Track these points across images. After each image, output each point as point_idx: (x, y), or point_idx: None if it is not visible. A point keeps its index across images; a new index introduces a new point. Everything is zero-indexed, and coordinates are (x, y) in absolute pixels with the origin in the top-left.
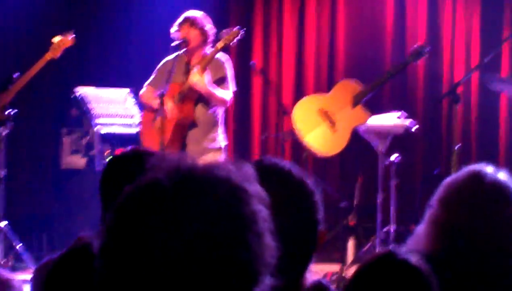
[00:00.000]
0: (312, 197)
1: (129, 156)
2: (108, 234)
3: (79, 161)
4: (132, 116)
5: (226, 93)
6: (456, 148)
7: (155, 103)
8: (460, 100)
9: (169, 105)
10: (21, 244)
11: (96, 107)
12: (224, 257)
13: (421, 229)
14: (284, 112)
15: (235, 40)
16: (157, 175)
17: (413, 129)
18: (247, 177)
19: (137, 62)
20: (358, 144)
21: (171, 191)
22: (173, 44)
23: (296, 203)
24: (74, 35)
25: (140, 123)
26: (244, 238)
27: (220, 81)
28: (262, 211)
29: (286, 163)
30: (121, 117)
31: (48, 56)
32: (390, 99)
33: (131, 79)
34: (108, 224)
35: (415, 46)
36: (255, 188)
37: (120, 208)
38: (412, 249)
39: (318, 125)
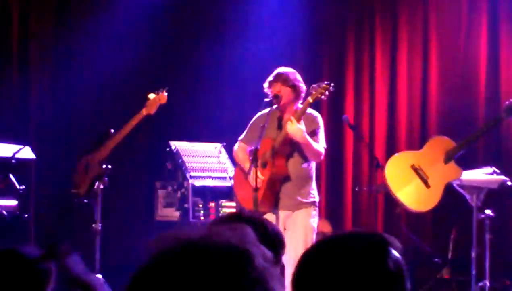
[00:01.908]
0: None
1: None
2: None
3: (173, 214)
4: (225, 170)
5: (320, 147)
6: None
7: (247, 166)
8: None
9: (254, 171)
10: None
11: (190, 161)
12: None
13: None
14: (378, 165)
15: (325, 94)
16: (160, 249)
17: (508, 183)
18: (247, 239)
19: (230, 116)
20: (452, 198)
21: (173, 264)
22: (265, 100)
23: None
24: (167, 92)
25: (233, 177)
26: None
27: (313, 135)
28: (268, 268)
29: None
30: (214, 171)
31: (144, 112)
32: (483, 154)
33: (223, 134)
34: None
35: (508, 102)
36: (257, 248)
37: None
38: None
39: (410, 182)
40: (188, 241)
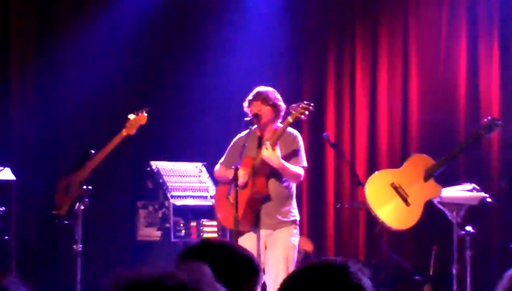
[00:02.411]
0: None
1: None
2: None
3: (154, 233)
4: (206, 189)
5: (299, 169)
6: None
7: (230, 173)
8: None
9: (241, 173)
10: None
11: (170, 181)
12: None
13: None
14: (359, 182)
15: (305, 114)
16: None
17: (488, 200)
18: (204, 280)
19: (211, 136)
20: (432, 214)
21: None
22: (245, 119)
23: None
24: (147, 113)
25: (214, 196)
26: None
27: (293, 155)
28: None
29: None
30: (195, 190)
31: (124, 133)
32: (463, 171)
33: (204, 153)
34: None
35: (487, 119)
36: (212, 289)
37: None
38: None
39: (390, 200)
40: (141, 282)
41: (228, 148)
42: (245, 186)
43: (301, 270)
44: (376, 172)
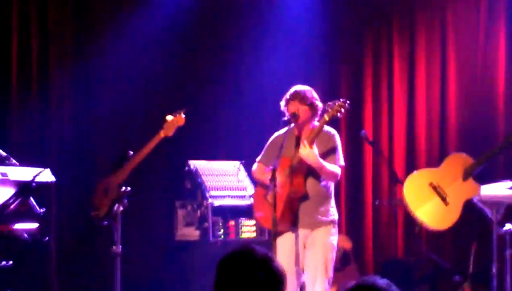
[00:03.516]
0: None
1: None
2: None
3: (193, 233)
4: (244, 188)
5: (336, 167)
6: None
7: (267, 178)
8: None
9: (279, 179)
10: None
11: (209, 180)
12: None
13: None
14: (397, 180)
15: (341, 112)
16: None
17: None
18: None
19: (248, 134)
20: (472, 213)
21: None
22: (283, 119)
23: None
24: (185, 114)
25: (252, 196)
26: None
27: (330, 153)
28: None
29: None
30: (233, 189)
31: (162, 134)
32: (503, 169)
33: (242, 152)
34: None
35: None
36: None
37: None
38: None
39: (429, 200)
40: None
41: (266, 146)
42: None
43: None
44: (415, 172)
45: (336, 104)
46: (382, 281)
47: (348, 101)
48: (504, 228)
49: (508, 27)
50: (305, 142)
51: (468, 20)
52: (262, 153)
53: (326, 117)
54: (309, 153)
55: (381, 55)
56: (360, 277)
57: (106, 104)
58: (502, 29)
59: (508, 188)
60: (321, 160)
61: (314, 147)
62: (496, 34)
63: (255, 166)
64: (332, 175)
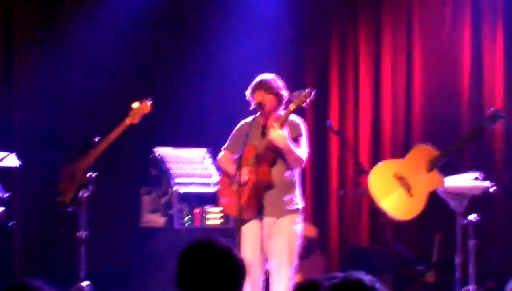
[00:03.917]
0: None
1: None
2: None
3: (158, 220)
4: (210, 176)
5: (303, 153)
6: None
7: (232, 169)
8: None
9: (245, 168)
10: None
11: (174, 167)
12: None
13: None
14: (362, 170)
15: (307, 102)
16: None
17: (491, 191)
18: None
19: (214, 122)
20: (436, 204)
21: None
22: (250, 108)
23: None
24: (152, 102)
25: (217, 183)
26: None
27: (296, 141)
28: None
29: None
30: (199, 177)
31: (127, 121)
32: (468, 160)
33: (208, 139)
34: None
35: (491, 110)
36: None
37: None
38: None
39: (394, 191)
40: None
41: (232, 134)
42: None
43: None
44: (380, 163)
45: (302, 94)
46: (367, 278)
47: (314, 91)
48: (468, 219)
49: (473, 21)
50: (275, 125)
51: (434, 12)
52: (228, 141)
53: (292, 107)
54: (279, 135)
55: (347, 45)
56: (347, 273)
57: (72, 90)
58: (467, 22)
59: (472, 179)
60: (290, 143)
61: (284, 129)
62: (461, 25)
63: (221, 154)
64: (299, 160)
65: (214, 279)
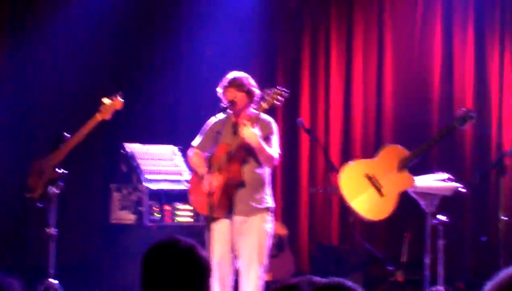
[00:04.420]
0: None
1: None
2: None
3: (128, 216)
4: (180, 173)
5: (274, 152)
6: (503, 219)
7: (202, 170)
8: (506, 171)
9: (216, 166)
10: None
11: (145, 164)
12: None
13: None
14: (333, 168)
15: (280, 100)
16: None
17: (462, 191)
18: None
19: (185, 119)
20: (406, 203)
21: None
22: (220, 106)
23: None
24: (123, 98)
25: (188, 181)
26: None
27: (267, 140)
28: None
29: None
30: (169, 174)
31: (99, 117)
32: (438, 162)
33: (178, 137)
34: None
35: (461, 110)
36: None
37: None
38: None
39: (364, 190)
40: None
41: (202, 130)
42: (219, 171)
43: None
44: (351, 162)
45: (275, 92)
46: (349, 283)
47: (286, 90)
48: (437, 219)
49: (444, 19)
50: (247, 123)
51: (406, 9)
52: (198, 138)
53: (265, 105)
54: (251, 133)
55: (319, 44)
56: (329, 278)
57: (43, 85)
58: (438, 21)
59: (442, 180)
60: (261, 141)
61: (256, 128)
62: (432, 25)
63: (190, 152)
64: (270, 159)
65: (179, 279)
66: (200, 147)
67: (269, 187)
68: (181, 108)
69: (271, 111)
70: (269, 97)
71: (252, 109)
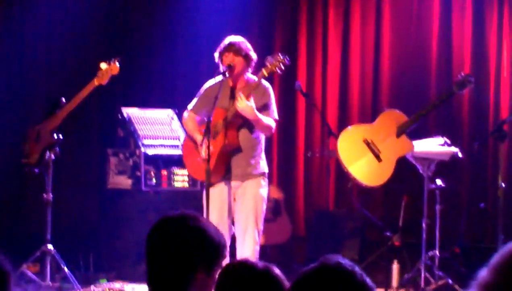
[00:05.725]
0: None
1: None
2: None
3: (125, 181)
4: (178, 138)
5: (271, 121)
6: (502, 185)
7: (198, 137)
8: (506, 138)
9: (213, 131)
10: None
11: (142, 129)
12: None
13: None
14: (330, 132)
15: (280, 68)
16: None
17: (459, 155)
18: None
19: (182, 83)
20: (403, 167)
21: None
22: (218, 70)
23: None
24: (119, 63)
25: (182, 146)
26: None
27: (264, 107)
28: None
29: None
30: (166, 138)
31: (96, 82)
32: (435, 127)
33: (175, 100)
34: None
35: (460, 76)
36: None
37: None
38: None
39: (363, 156)
40: None
41: (199, 94)
42: (215, 136)
43: (312, 273)
44: (349, 127)
45: (276, 59)
46: (346, 262)
47: (287, 58)
48: (435, 184)
49: None
50: (242, 95)
51: None
52: (194, 101)
53: (265, 72)
54: (246, 106)
55: (316, 8)
56: (324, 256)
57: (40, 50)
58: None
59: (439, 145)
60: (257, 113)
61: (251, 99)
62: None
63: (186, 114)
64: (267, 128)
65: (186, 256)
66: (195, 110)
67: (263, 153)
68: (178, 72)
69: (268, 75)
70: (271, 65)
71: (250, 75)
